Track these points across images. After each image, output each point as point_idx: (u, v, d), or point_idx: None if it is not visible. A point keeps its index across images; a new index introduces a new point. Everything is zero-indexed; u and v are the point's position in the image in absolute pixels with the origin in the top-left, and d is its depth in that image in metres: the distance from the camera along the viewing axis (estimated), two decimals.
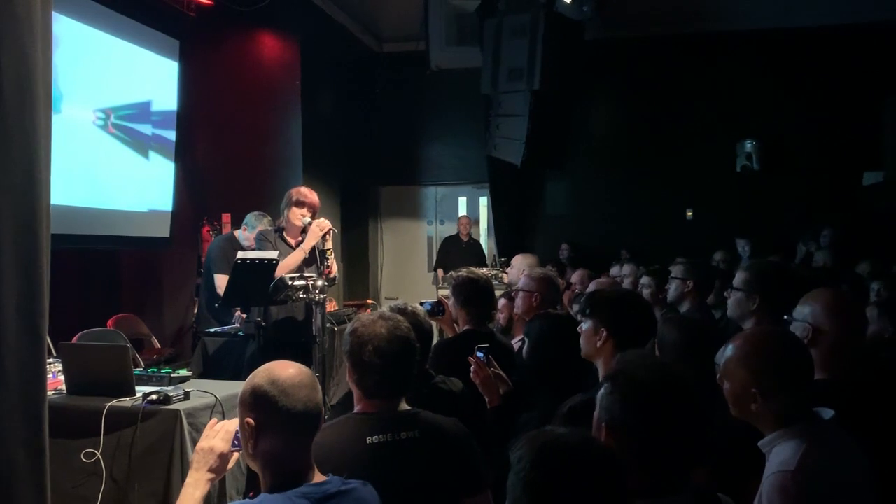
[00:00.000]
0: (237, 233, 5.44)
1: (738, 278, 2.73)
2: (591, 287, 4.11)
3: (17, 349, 1.44)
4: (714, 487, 1.97)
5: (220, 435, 1.87)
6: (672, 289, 3.96)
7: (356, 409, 2.07)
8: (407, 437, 1.99)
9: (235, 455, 1.89)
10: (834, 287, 2.90)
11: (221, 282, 5.13)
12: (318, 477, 1.71)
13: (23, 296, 1.46)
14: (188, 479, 1.83)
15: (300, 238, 4.32)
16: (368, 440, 1.95)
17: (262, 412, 1.67)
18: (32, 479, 1.49)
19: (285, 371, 1.72)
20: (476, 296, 3.31)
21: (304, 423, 1.69)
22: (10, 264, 1.43)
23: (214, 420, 1.94)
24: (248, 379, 1.75)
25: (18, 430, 1.45)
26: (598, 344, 2.38)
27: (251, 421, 1.68)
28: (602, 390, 1.52)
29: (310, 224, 4.24)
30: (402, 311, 2.53)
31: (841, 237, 7.33)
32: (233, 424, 1.88)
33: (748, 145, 8.38)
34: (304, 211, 4.29)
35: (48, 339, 3.93)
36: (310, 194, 4.35)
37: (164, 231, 7.10)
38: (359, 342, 2.01)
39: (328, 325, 4.53)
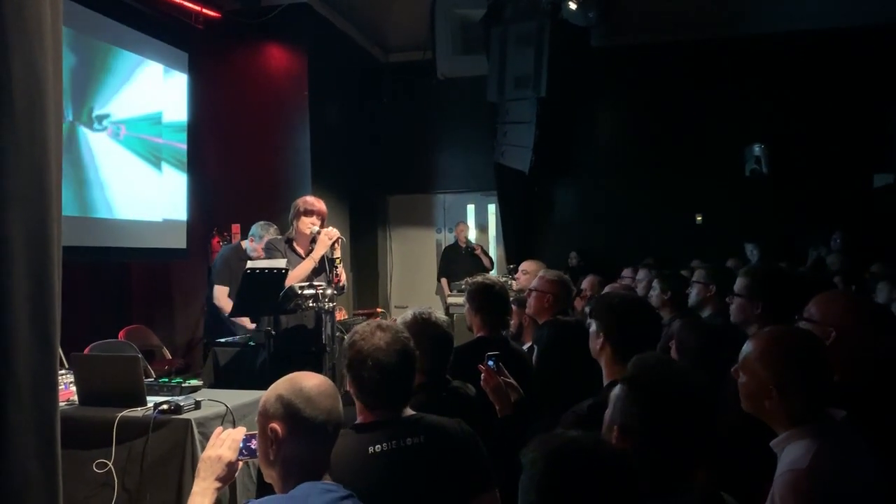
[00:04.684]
0: (244, 243, 5.45)
1: (739, 283, 2.72)
2: (606, 291, 4.10)
3: (30, 359, 1.45)
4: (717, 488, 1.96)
5: (226, 444, 1.87)
6: (693, 293, 3.94)
7: (358, 419, 2.06)
8: (412, 444, 1.99)
9: (241, 464, 1.89)
10: (846, 289, 2.87)
11: (220, 293, 5.16)
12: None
13: (35, 305, 1.47)
14: (195, 488, 1.84)
15: (310, 247, 4.32)
16: (371, 450, 1.95)
17: (288, 420, 1.70)
18: (45, 490, 1.49)
19: (308, 381, 1.76)
20: (490, 302, 3.28)
21: (327, 431, 1.73)
22: (22, 274, 1.44)
23: (220, 429, 1.95)
24: (270, 388, 1.78)
25: (31, 441, 1.46)
26: (598, 347, 2.41)
27: (277, 428, 1.70)
28: (617, 392, 1.52)
29: (319, 233, 4.24)
30: (426, 319, 2.54)
31: (852, 240, 7.28)
32: (239, 433, 1.89)
33: (757, 149, 8.36)
34: (313, 220, 4.29)
35: (60, 350, 3.96)
36: (317, 203, 4.36)
37: (180, 242, 7.14)
38: (358, 357, 2.00)
39: (338, 333, 4.53)
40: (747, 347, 1.83)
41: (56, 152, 1.54)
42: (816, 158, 8.25)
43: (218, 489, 1.84)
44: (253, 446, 1.85)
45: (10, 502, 1.42)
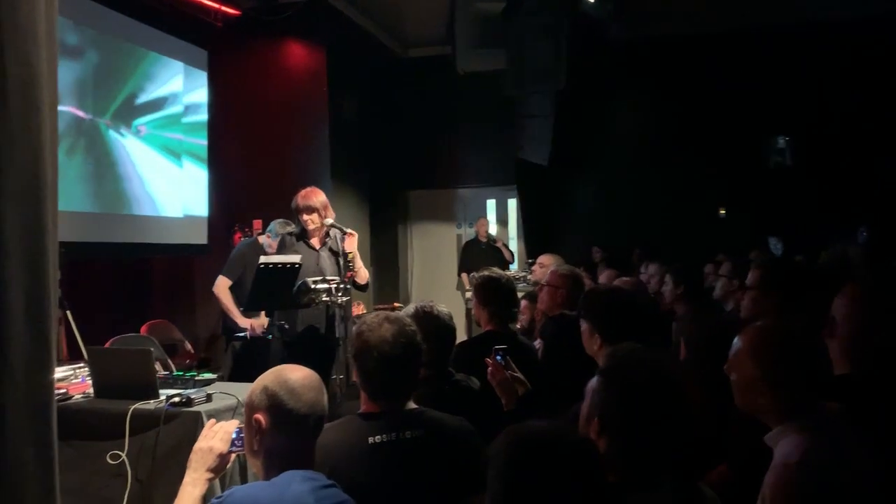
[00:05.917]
0: (261, 239, 5.51)
1: (752, 277, 2.68)
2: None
3: (25, 349, 1.48)
4: (732, 484, 1.94)
5: (218, 435, 1.91)
6: (718, 287, 3.91)
7: (361, 409, 2.08)
8: (411, 437, 2.00)
9: (233, 456, 1.92)
10: (863, 282, 2.82)
11: (221, 283, 5.16)
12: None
13: (29, 297, 1.51)
14: (186, 479, 1.87)
15: (325, 240, 4.37)
16: (371, 440, 1.97)
17: (271, 411, 1.73)
18: (41, 478, 1.52)
19: (294, 373, 1.78)
20: (497, 295, 3.28)
21: (309, 424, 1.76)
22: (17, 266, 1.47)
23: (213, 420, 1.98)
24: (257, 380, 1.81)
25: (26, 429, 1.49)
26: (595, 346, 2.38)
27: (260, 419, 1.73)
28: (594, 384, 1.51)
29: (333, 226, 4.29)
30: (428, 312, 2.55)
31: (878, 234, 7.14)
32: (231, 425, 1.93)
33: (781, 141, 8.22)
34: (310, 217, 4.30)
35: (81, 343, 4.02)
36: (311, 197, 4.35)
37: (201, 238, 7.24)
38: (364, 347, 2.03)
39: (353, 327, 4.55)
40: (737, 343, 1.81)
41: (51, 148, 1.57)
42: (842, 151, 8.08)
43: (209, 480, 1.88)
44: None
45: (7, 489, 1.46)
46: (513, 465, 1.14)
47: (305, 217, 4.31)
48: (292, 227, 5.39)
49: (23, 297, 1.47)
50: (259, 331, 4.92)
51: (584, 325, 2.44)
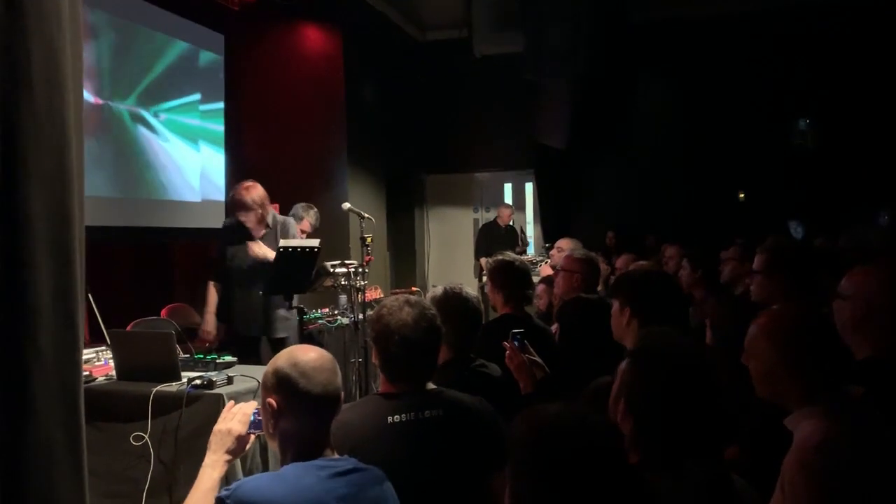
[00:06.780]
0: None
1: (758, 260, 2.66)
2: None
3: (53, 333, 1.51)
4: (745, 466, 1.94)
5: (237, 417, 1.91)
6: (727, 270, 3.89)
7: (380, 389, 2.10)
8: (431, 416, 2.01)
9: (252, 437, 1.93)
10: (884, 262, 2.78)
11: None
12: (335, 457, 1.76)
13: (57, 281, 1.53)
14: (206, 461, 1.88)
15: (264, 231, 4.35)
16: (390, 419, 1.98)
17: (283, 394, 1.72)
18: (70, 458, 1.56)
19: (306, 354, 1.77)
20: (511, 278, 3.29)
21: (323, 405, 1.74)
22: (44, 251, 1.49)
23: (232, 402, 1.99)
24: (270, 362, 1.80)
25: (56, 411, 1.52)
26: (624, 323, 2.38)
27: (272, 402, 1.73)
28: (623, 366, 1.51)
29: (351, 210, 4.30)
30: (457, 294, 2.55)
31: None
32: (250, 407, 1.93)
33: (802, 124, 8.12)
34: (247, 216, 4.21)
35: (103, 327, 4.07)
36: (245, 195, 4.18)
37: (219, 222, 7.28)
38: (385, 331, 2.04)
39: (370, 311, 4.58)
40: (752, 331, 1.80)
41: (76, 132, 1.59)
42: (864, 133, 7.97)
43: (228, 461, 1.89)
44: None
45: (37, 469, 1.49)
46: (532, 448, 1.13)
47: (242, 217, 4.23)
48: (315, 213, 5.44)
49: (50, 280, 1.49)
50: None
51: (614, 305, 2.43)
